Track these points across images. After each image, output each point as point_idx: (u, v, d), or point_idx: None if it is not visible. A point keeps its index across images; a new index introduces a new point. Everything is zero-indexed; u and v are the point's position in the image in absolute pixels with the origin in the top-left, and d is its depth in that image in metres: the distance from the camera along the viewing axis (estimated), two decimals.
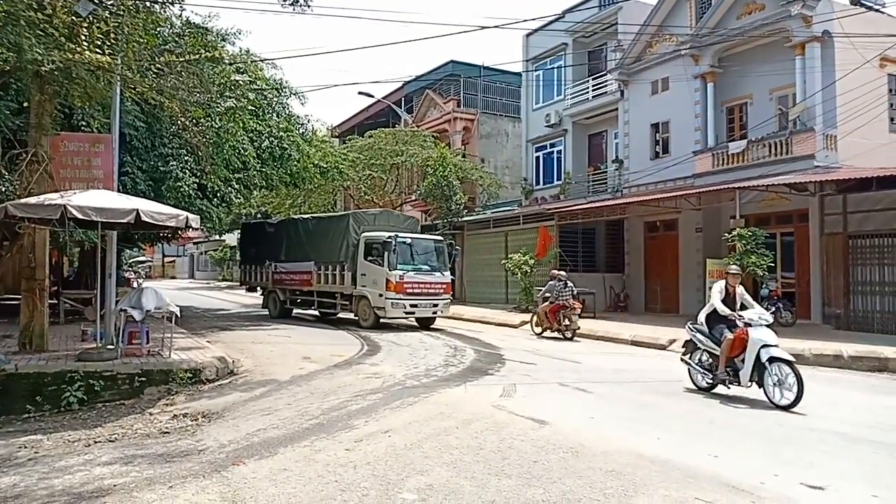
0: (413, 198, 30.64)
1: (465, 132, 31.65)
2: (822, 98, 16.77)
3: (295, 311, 20.77)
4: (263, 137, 16.77)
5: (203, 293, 37.87)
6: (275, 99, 18.10)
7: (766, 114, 18.70)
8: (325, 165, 20.27)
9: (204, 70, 12.56)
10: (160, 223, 8.78)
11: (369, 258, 16.73)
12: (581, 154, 26.20)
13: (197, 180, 14.71)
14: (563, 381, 9.36)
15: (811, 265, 17.04)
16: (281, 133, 17.36)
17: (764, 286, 16.65)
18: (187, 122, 12.39)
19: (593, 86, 24.85)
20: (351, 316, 18.30)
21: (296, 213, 32.07)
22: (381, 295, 16.19)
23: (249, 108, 15.57)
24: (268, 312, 21.16)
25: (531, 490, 4.67)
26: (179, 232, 18.61)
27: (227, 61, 14.72)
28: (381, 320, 16.74)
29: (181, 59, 11.44)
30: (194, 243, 61.86)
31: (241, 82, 15.08)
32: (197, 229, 9.89)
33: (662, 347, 13.57)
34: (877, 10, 17.79)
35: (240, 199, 17.55)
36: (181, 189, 14.09)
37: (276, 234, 21.17)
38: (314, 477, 4.98)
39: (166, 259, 71.66)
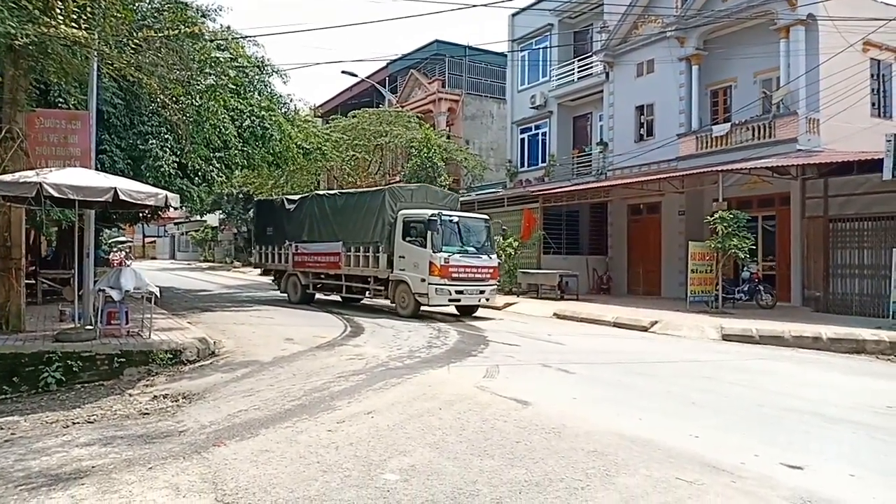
0: (397, 179, 30.46)
1: (450, 113, 31.49)
2: (805, 82, 16.85)
3: (318, 295, 19.24)
4: (245, 116, 16.49)
5: (184, 274, 37.58)
6: (256, 77, 17.77)
7: (750, 97, 18.76)
8: (307, 146, 20.02)
9: (184, 46, 12.28)
10: (139, 202, 8.62)
11: (408, 239, 15.11)
12: (566, 136, 26.16)
13: (177, 159, 14.46)
14: (546, 362, 9.38)
15: (792, 248, 17.21)
16: (263, 112, 17.07)
17: (745, 269, 16.82)
18: (167, 100, 12.13)
19: (579, 67, 24.77)
20: (379, 302, 17.30)
21: (279, 194, 31.83)
22: (423, 280, 14.56)
23: (230, 86, 15.29)
24: (287, 297, 19.28)
25: (514, 470, 4.68)
26: (159, 212, 18.41)
27: (207, 38, 14.42)
28: (423, 308, 15.19)
29: (160, 35, 11.17)
30: (175, 223, 61.30)
31: (221, 59, 14.80)
32: (177, 209, 9.76)
33: (644, 329, 13.66)
34: None
35: (221, 178, 17.22)
36: (161, 168, 13.84)
37: (298, 212, 19.20)
38: (296, 458, 4.95)
39: (146, 239, 70.96)
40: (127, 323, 9.82)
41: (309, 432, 5.64)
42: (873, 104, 18.00)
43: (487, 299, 15.48)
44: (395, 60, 33.34)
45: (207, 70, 13.84)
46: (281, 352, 9.99)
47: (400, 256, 15.27)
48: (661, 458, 5.00)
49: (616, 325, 14.43)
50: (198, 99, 13.99)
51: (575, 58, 25.09)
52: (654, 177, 19.02)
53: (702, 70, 19.89)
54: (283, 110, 18.89)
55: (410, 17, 36.52)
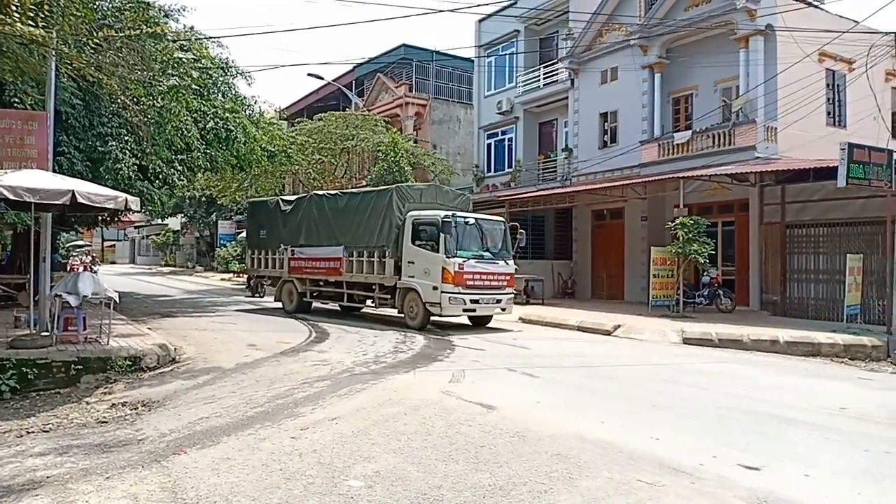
0: (364, 183, 30.34)
1: (417, 117, 31.50)
2: (763, 91, 17.27)
3: (315, 304, 17.80)
4: (208, 118, 16.28)
5: (145, 279, 36.84)
6: (220, 78, 17.58)
7: (711, 105, 19.15)
8: (272, 148, 19.84)
9: (145, 46, 12.12)
10: (98, 205, 8.46)
11: (418, 243, 13.81)
12: (532, 142, 26.37)
13: (137, 161, 14.20)
14: (511, 366, 9.44)
15: (750, 253, 17.60)
16: (226, 114, 16.88)
17: (705, 274, 17.16)
18: (127, 101, 11.91)
19: (544, 74, 24.99)
20: (384, 312, 16.07)
21: (243, 197, 31.38)
22: (434, 288, 13.29)
23: (193, 87, 15.08)
24: (281, 306, 17.68)
25: (478, 475, 4.69)
26: (119, 215, 18.00)
27: (170, 38, 14.23)
28: (434, 318, 13.92)
29: (121, 35, 10.98)
30: (135, 227, 60.09)
31: (184, 60, 14.62)
32: (137, 212, 9.58)
33: (608, 333, 13.83)
34: (815, 6, 18.36)
35: (183, 181, 17.00)
36: (121, 170, 13.57)
37: (294, 214, 17.67)
38: (258, 465, 4.90)
39: (106, 243, 69.33)
40: (84, 329, 9.58)
41: (272, 439, 5.58)
42: (828, 113, 18.51)
43: (504, 309, 14.22)
44: (361, 64, 33.24)
45: (170, 71, 13.64)
46: (244, 358, 9.87)
47: (409, 262, 14.01)
48: (623, 460, 5.07)
49: (580, 329, 14.58)
50: (160, 100, 13.78)
51: (541, 64, 25.31)
52: (618, 183, 19.29)
53: (664, 78, 20.25)
54: (247, 112, 18.71)
55: (377, 21, 36.51)
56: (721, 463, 5.05)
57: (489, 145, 28.13)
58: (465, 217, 13.90)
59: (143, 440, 5.64)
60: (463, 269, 13.29)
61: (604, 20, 21.59)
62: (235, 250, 41.03)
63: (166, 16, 14.76)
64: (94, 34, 10.49)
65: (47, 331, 9.18)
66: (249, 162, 18.89)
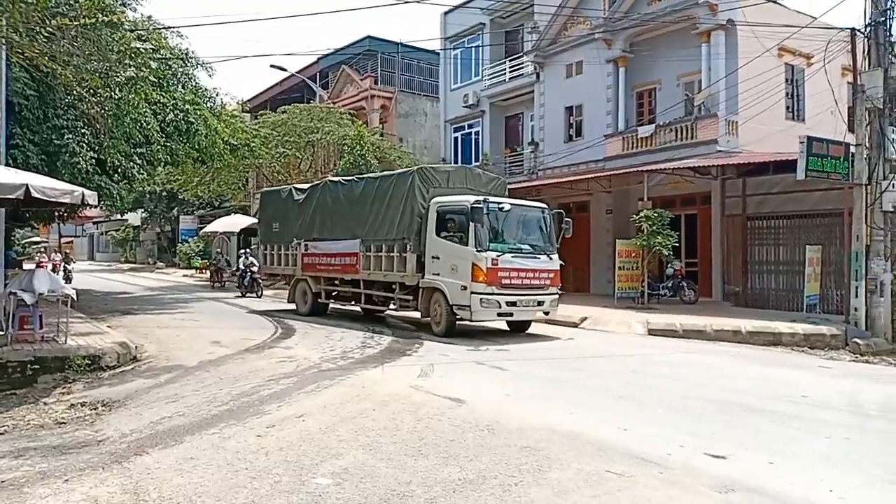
0: (329, 177, 30.05)
1: (383, 110, 31.26)
2: (725, 85, 17.53)
3: (333, 305, 15.90)
4: (168, 110, 15.92)
5: (104, 276, 35.98)
6: (180, 70, 17.18)
7: (674, 99, 19.39)
8: (235, 142, 19.50)
9: (101, 36, 11.74)
10: (53, 199, 8.18)
11: (444, 234, 11.88)
12: (498, 135, 26.40)
13: (95, 155, 13.81)
14: (480, 359, 9.44)
15: (713, 245, 17.89)
16: (187, 106, 16.52)
17: (669, 266, 17.39)
18: (83, 92, 11.59)
19: (510, 67, 25.01)
20: (410, 315, 14.08)
21: (206, 192, 30.84)
22: (463, 287, 11.27)
23: (152, 78, 14.68)
24: (295, 308, 15.93)
25: (448, 469, 4.66)
26: (77, 210, 17.54)
27: (127, 27, 13.83)
28: (463, 322, 11.84)
29: (75, 23, 10.63)
30: (94, 223, 58.58)
31: (142, 50, 14.19)
32: (95, 207, 9.30)
33: (575, 325, 13.93)
34: (774, 2, 18.68)
35: (143, 175, 16.56)
36: (77, 164, 13.18)
37: (307, 205, 15.72)
38: (223, 465, 4.79)
39: (63, 240, 67.47)
40: (41, 328, 9.30)
41: (237, 438, 5.46)
42: (787, 107, 18.90)
43: (547, 312, 12.18)
44: (326, 55, 32.82)
45: (127, 61, 13.23)
46: (207, 356, 9.67)
47: (433, 257, 12.01)
48: (592, 451, 5.09)
49: (548, 321, 14.63)
50: (117, 91, 13.38)
51: (507, 58, 25.33)
52: (583, 176, 19.43)
53: (628, 72, 20.42)
54: (208, 104, 18.35)
55: (341, 12, 36.07)
56: (688, 452, 5.10)
57: (456, 139, 28.09)
58: (499, 203, 11.76)
59: (103, 441, 5.48)
60: (497, 265, 11.22)
61: (569, 13, 21.70)
62: (198, 246, 40.36)
63: (123, 4, 14.36)
64: (47, 22, 10.14)
65: (2, 330, 8.88)
66: (211, 155, 18.55)
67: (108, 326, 11.95)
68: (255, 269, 20.97)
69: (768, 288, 15.66)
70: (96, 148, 13.72)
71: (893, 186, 11.57)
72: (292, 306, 16.05)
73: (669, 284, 17.17)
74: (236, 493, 4.24)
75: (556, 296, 12.34)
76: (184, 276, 34.85)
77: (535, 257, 11.96)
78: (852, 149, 12.07)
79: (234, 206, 38.91)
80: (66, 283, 20.35)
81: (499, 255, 11.30)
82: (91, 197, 8.60)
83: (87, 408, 6.68)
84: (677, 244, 16.45)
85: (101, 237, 63.63)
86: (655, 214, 15.53)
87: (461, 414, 6.19)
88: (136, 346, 9.77)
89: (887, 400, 7.43)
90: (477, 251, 11.20)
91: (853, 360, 10.35)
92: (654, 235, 15.33)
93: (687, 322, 12.80)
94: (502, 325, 12.79)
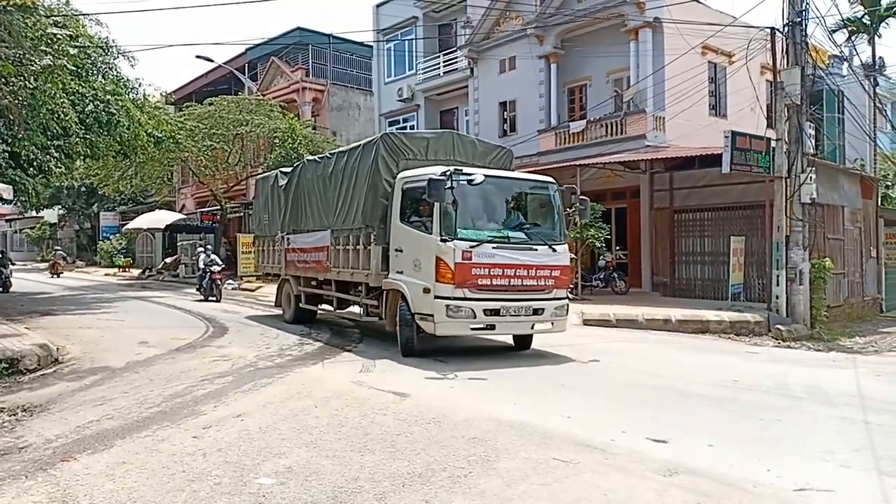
0: (259, 171, 29.31)
1: (315, 103, 30.72)
2: (652, 82, 18.04)
3: (320, 312, 13.03)
4: (87, 101, 15.13)
5: (19, 275, 33.91)
6: (100, 59, 16.40)
7: (604, 95, 19.83)
8: (159, 134, 18.75)
9: (14, 21, 11.03)
10: None
11: (409, 219, 9.11)
12: (434, 129, 26.35)
13: (8, 148, 12.99)
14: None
15: (642, 238, 18.41)
16: (108, 97, 15.75)
17: (601, 258, 17.79)
18: None
19: (444, 62, 25.00)
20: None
21: (128, 187, 29.52)
22: (426, 290, 8.44)
23: (70, 66, 13.90)
24: (281, 313, 13.72)
25: (396, 463, 4.58)
26: None
27: (42, 12, 13.05)
28: (428, 334, 8.72)
29: None
30: (7, 220, 55.29)
31: (59, 37, 13.42)
32: (9, 202, 8.73)
33: None
34: (697, 1, 19.32)
35: (60, 168, 15.71)
36: None
37: (288, 190, 13.36)
38: (158, 468, 4.55)
39: None
40: None
41: (172, 440, 5.22)
42: (710, 105, 19.62)
43: (552, 323, 8.99)
44: (254, 46, 31.95)
45: (43, 48, 12.47)
46: (135, 356, 9.24)
47: (396, 250, 9.23)
48: (538, 440, 5.12)
49: None
50: (32, 81, 12.59)
51: (441, 52, 25.31)
52: (517, 171, 19.59)
53: (560, 68, 20.75)
54: (130, 96, 17.57)
55: (270, 0, 35.13)
56: (631, 437, 5.20)
57: None
58: (473, 175, 8.54)
59: (25, 448, 5.12)
60: (470, 258, 8.33)
61: (501, 8, 21.85)
62: (120, 243, 38.70)
63: None
64: None
65: None
66: (134, 148, 17.79)
67: (26, 328, 11.25)
68: (216, 269, 18.49)
69: (695, 278, 16.24)
70: (9, 140, 12.91)
71: (811, 179, 12.17)
72: (279, 311, 13.96)
73: (601, 276, 17.57)
74: (174, 497, 4.04)
75: (565, 302, 9.12)
76: (106, 274, 33.36)
77: (531, 248, 8.76)
78: (773, 143, 12.61)
79: (158, 202, 37.50)
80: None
81: (474, 246, 8.33)
82: (6, 191, 8.10)
83: (6, 413, 6.24)
84: (609, 237, 16.84)
85: (14, 235, 60.14)
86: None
87: (406, 408, 6.12)
88: (57, 349, 9.23)
89: (812, 382, 7.79)
90: (440, 241, 8.36)
91: (776, 346, 10.85)
92: (587, 228, 15.62)
93: (620, 312, 13.12)
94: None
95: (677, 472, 4.41)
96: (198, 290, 19.39)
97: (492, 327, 8.77)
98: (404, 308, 8.84)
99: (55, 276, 28.87)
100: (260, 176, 18.15)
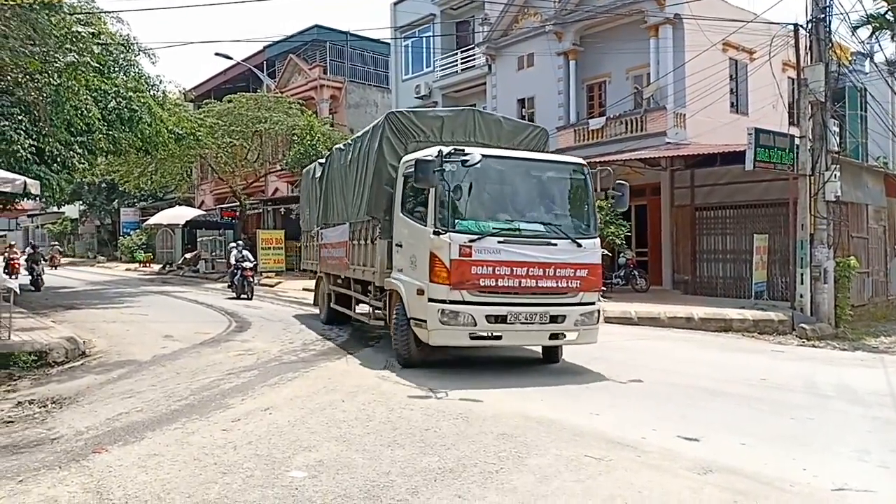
0: (278, 167, 29.46)
1: (333, 101, 30.79)
2: (672, 78, 17.89)
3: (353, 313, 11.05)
4: (110, 97, 15.28)
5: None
6: (122, 56, 16.54)
7: (623, 92, 19.68)
8: (180, 131, 18.88)
9: (39, 18, 11.17)
10: None
11: (413, 209, 7.92)
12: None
13: (33, 143, 13.14)
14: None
15: (662, 235, 18.25)
16: (130, 93, 15.90)
17: (621, 255, 17.67)
18: (20, 77, 10.98)
19: (462, 59, 24.94)
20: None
21: (148, 184, 29.76)
22: (420, 291, 7.32)
23: (94, 64, 14.07)
24: (318, 312, 13.08)
25: (426, 458, 4.58)
26: (13, 202, 16.71)
27: (66, 10, 13.20)
28: (427, 343, 7.43)
29: (11, 4, 10.06)
30: (28, 216, 55.96)
31: (83, 35, 13.58)
32: (38, 197, 8.82)
33: None
34: None
35: (83, 164, 15.84)
36: (17, 152, 12.48)
37: (322, 181, 12.53)
38: (190, 461, 4.59)
39: None
40: None
41: (201, 433, 5.26)
42: (731, 102, 19.42)
43: (578, 333, 7.57)
44: (273, 44, 32.12)
45: (68, 46, 12.62)
46: (161, 350, 9.33)
47: (397, 245, 8.23)
48: (568, 437, 5.09)
49: None
50: (56, 77, 12.76)
51: (458, 49, 25.26)
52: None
53: (579, 65, 20.63)
54: (151, 93, 17.71)
55: None
56: (662, 435, 5.16)
57: None
58: (467, 156, 7.15)
59: (57, 439, 5.19)
60: (470, 254, 7.09)
61: (520, 5, 21.76)
62: (140, 239, 39.04)
63: None
64: None
65: None
66: (155, 145, 17.94)
67: (53, 322, 11.41)
68: (248, 265, 17.68)
69: (716, 276, 16.07)
70: (34, 136, 13.06)
71: (835, 177, 12.01)
72: (316, 310, 13.36)
73: (622, 273, 17.45)
74: (207, 489, 4.06)
75: (593, 308, 7.63)
76: (127, 270, 33.67)
77: (549, 243, 7.40)
78: (797, 141, 12.45)
79: (177, 198, 37.80)
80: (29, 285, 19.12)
81: (473, 240, 7.09)
82: (34, 186, 8.18)
83: (37, 405, 6.32)
84: (629, 234, 16.72)
85: (36, 230, 60.89)
86: (608, 205, 15.72)
87: (433, 403, 6.12)
88: (84, 342, 9.35)
89: (841, 381, 7.69)
90: (433, 233, 7.18)
91: (800, 345, 10.71)
92: (608, 226, 15.52)
93: (641, 310, 13.03)
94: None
95: (711, 471, 4.37)
96: (229, 287, 18.90)
97: (497, 337, 7.35)
98: (400, 311, 7.70)
99: (54, 268, 30.58)
100: (306, 169, 16.31)
